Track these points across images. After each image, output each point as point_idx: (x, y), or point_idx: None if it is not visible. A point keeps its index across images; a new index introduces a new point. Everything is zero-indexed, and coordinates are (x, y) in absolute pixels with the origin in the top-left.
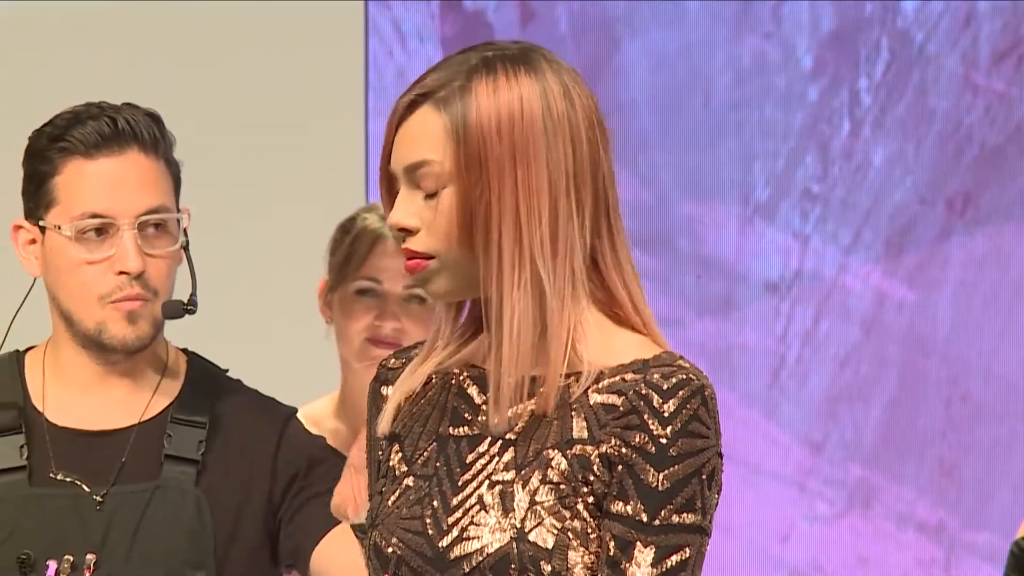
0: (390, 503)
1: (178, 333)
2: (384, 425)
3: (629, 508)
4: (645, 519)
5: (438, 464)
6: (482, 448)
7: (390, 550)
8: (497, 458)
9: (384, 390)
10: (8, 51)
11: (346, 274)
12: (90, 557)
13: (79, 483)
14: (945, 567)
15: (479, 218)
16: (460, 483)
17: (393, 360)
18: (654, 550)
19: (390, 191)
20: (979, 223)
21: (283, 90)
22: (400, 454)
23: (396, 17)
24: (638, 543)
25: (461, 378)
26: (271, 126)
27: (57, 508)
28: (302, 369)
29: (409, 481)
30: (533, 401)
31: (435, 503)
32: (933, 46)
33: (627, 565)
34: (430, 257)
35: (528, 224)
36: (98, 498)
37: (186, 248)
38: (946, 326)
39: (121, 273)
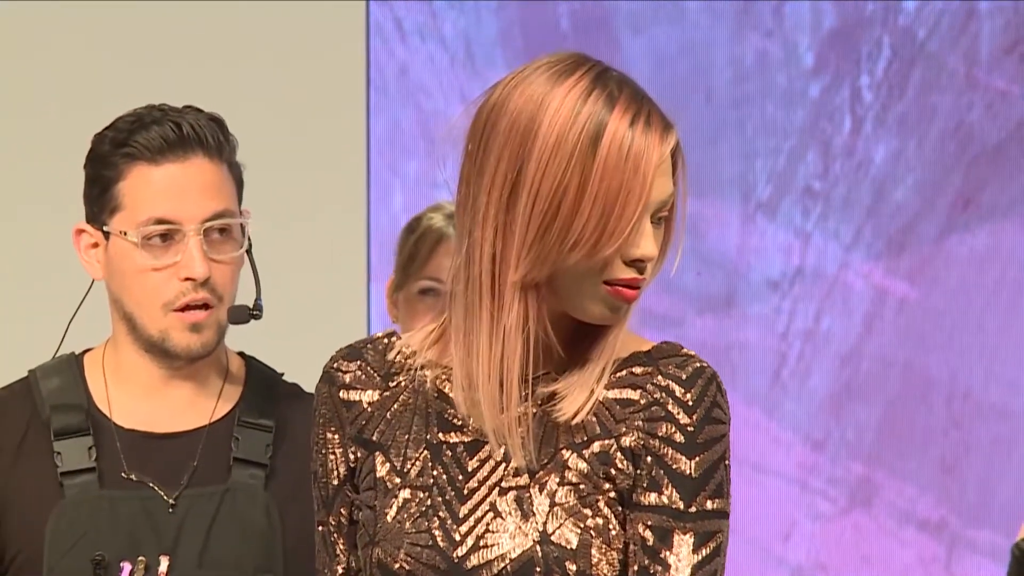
0: (389, 518)
1: None
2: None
3: (664, 498)
4: (682, 507)
5: (435, 473)
6: (483, 454)
7: (397, 566)
8: (504, 464)
9: (346, 394)
10: (8, 50)
11: (410, 273)
12: (163, 559)
13: (151, 485)
14: (946, 564)
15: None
16: (466, 492)
17: (346, 363)
18: (693, 537)
19: (637, 223)
20: (980, 221)
21: (285, 88)
22: (387, 464)
23: (397, 16)
24: (677, 531)
25: (437, 381)
26: (272, 124)
27: (129, 510)
28: (310, 365)
29: (405, 493)
30: (532, 403)
31: (441, 514)
32: (934, 44)
33: (667, 554)
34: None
35: None
36: (171, 501)
37: (249, 251)
38: (947, 324)
39: (186, 279)
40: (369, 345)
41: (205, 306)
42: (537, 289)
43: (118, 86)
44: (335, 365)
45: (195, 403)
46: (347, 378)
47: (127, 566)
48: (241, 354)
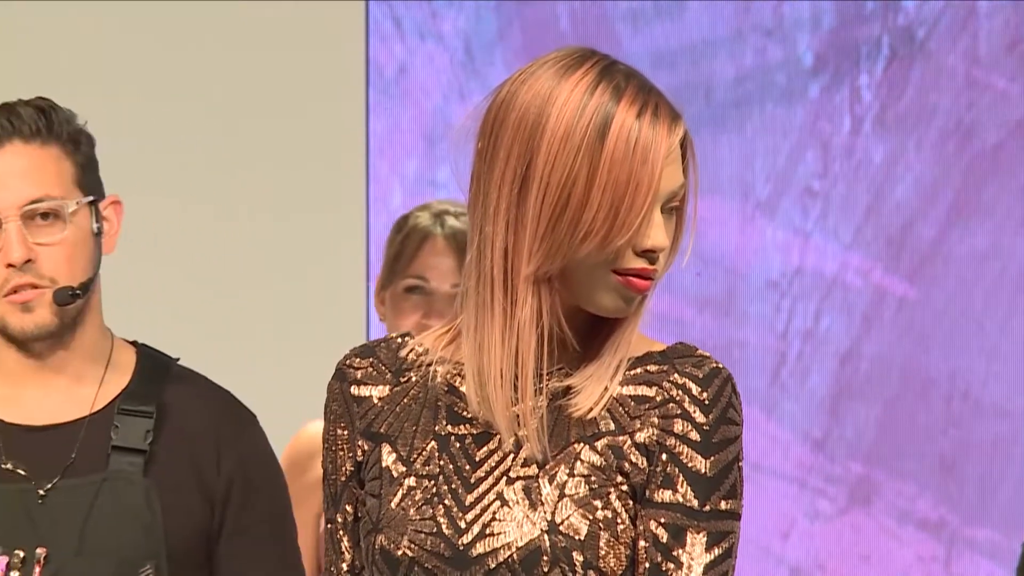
0: (393, 505)
1: (181, 334)
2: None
3: (679, 496)
4: (696, 505)
5: (442, 463)
6: (492, 445)
7: (400, 552)
8: (513, 454)
9: (356, 390)
10: (11, 47)
11: (396, 271)
12: (40, 551)
13: (24, 476)
14: (946, 564)
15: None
16: (473, 480)
17: (358, 360)
18: (706, 536)
19: (646, 215)
20: (979, 220)
21: (284, 87)
22: (394, 455)
23: (396, 14)
24: (690, 530)
25: (448, 376)
26: (272, 123)
27: (5, 503)
28: (308, 364)
29: (410, 482)
30: (542, 396)
31: (447, 502)
32: (934, 43)
33: (680, 551)
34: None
35: None
36: (41, 492)
37: (98, 235)
38: (946, 323)
39: (10, 265)
40: (383, 343)
41: (34, 287)
42: (550, 283)
43: (116, 85)
44: (347, 362)
45: (75, 394)
46: (358, 374)
47: (3, 559)
48: (134, 343)
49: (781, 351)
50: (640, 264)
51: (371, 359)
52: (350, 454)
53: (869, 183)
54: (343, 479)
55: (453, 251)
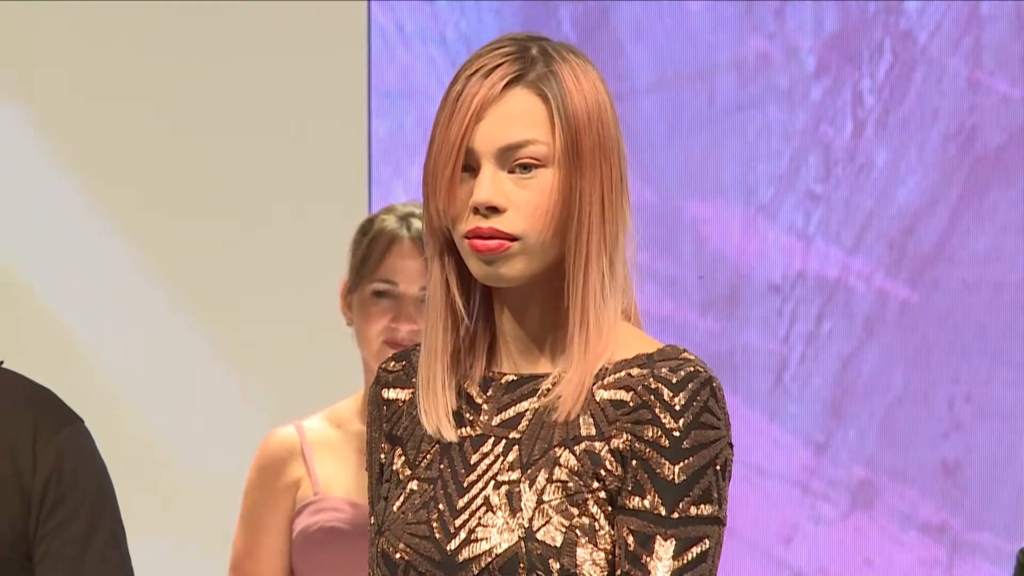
0: (395, 508)
1: (185, 337)
2: (447, 431)
3: (647, 502)
4: (664, 512)
5: (442, 467)
6: (485, 448)
7: (397, 555)
8: (502, 458)
9: (387, 393)
10: (9, 49)
11: (363, 275)
12: None
13: None
14: (948, 568)
15: (573, 205)
16: (465, 485)
17: (393, 363)
18: (674, 543)
19: (454, 172)
20: (982, 223)
21: (286, 91)
22: (403, 457)
23: (399, 18)
24: (658, 537)
25: (459, 379)
26: (274, 127)
27: None
28: (312, 369)
29: (413, 485)
30: (536, 399)
31: (441, 506)
32: (936, 46)
33: (648, 559)
34: (514, 239)
35: (609, 218)
36: None
37: None
38: (949, 326)
39: None
40: (418, 347)
41: None
42: (442, 258)
43: (118, 87)
44: (384, 365)
45: None
46: (390, 377)
47: None
48: None
49: (783, 355)
50: (474, 223)
51: (404, 363)
52: (378, 456)
53: (871, 187)
54: (374, 481)
55: (421, 253)
